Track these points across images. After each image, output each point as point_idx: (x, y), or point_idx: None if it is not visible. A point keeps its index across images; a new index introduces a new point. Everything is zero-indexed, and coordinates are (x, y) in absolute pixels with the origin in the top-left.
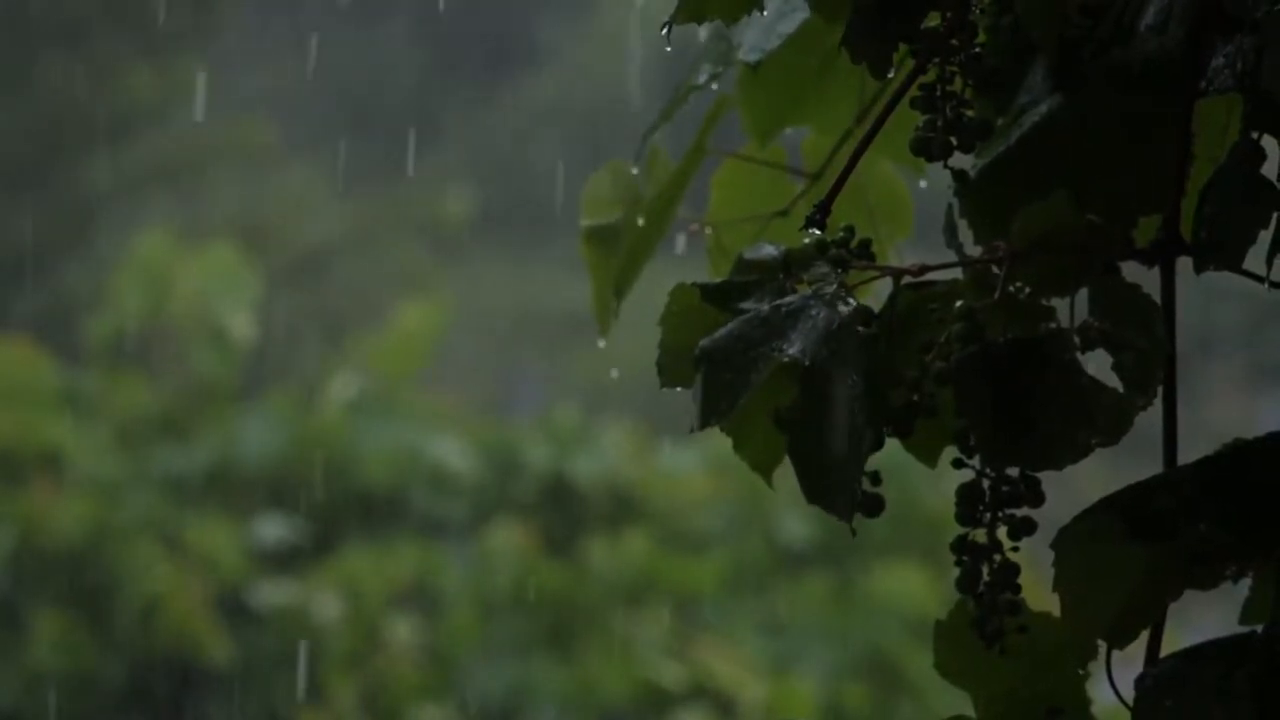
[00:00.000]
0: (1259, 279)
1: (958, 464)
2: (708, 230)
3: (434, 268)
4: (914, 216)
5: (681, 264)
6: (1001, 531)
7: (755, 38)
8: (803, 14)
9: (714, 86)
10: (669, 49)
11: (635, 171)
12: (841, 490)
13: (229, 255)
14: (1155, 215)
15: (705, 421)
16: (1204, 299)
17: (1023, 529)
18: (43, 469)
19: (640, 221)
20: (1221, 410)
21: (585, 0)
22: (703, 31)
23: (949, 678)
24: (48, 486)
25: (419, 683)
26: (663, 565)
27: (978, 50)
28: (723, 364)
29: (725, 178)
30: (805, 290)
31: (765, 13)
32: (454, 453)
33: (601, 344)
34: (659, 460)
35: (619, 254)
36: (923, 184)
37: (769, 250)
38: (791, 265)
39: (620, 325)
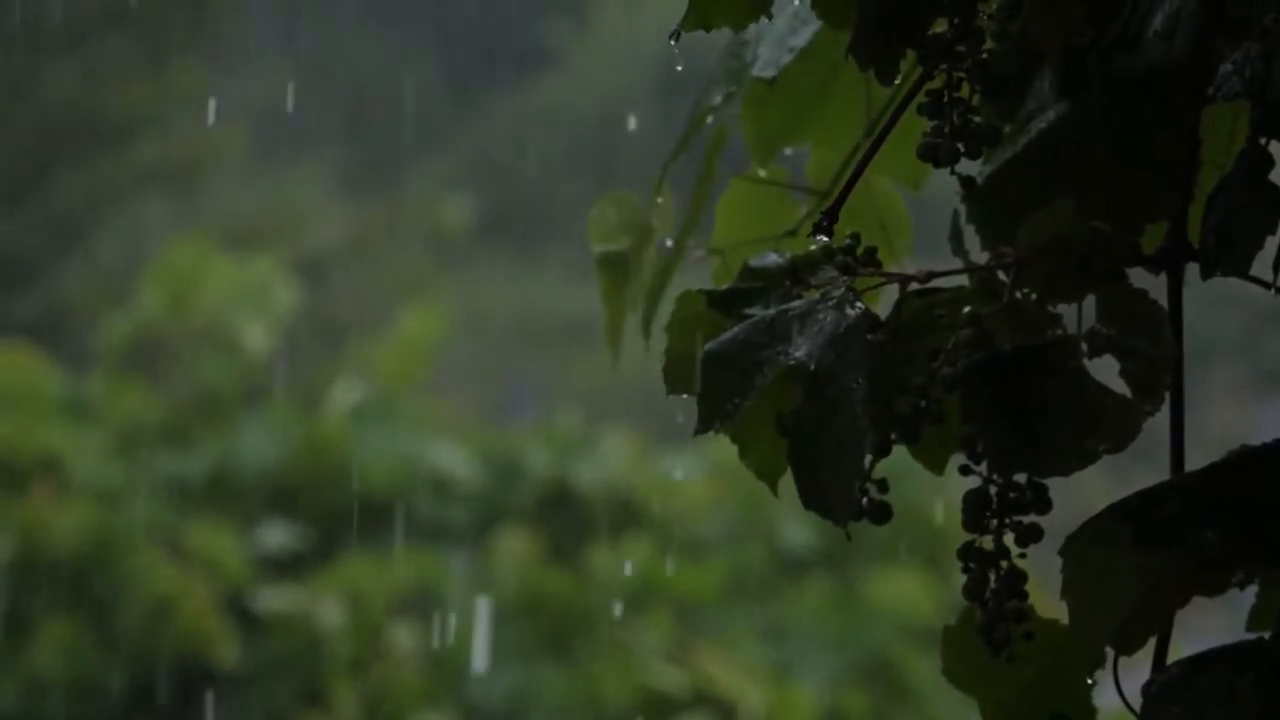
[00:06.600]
0: (1265, 284)
1: (964, 470)
2: (716, 256)
3: (434, 274)
4: (919, 224)
5: (688, 278)
6: (1008, 538)
7: (769, 54)
8: (812, 27)
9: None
10: (678, 63)
11: (660, 201)
12: (839, 495)
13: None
14: (1162, 221)
15: (707, 425)
16: (1204, 305)
17: (1030, 536)
18: (44, 475)
19: (669, 243)
20: (1222, 416)
21: (586, 6)
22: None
23: (957, 684)
24: (49, 493)
25: (421, 689)
26: (664, 572)
27: (985, 56)
28: (727, 367)
29: (731, 201)
30: (812, 296)
31: (775, 24)
32: (455, 460)
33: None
34: (660, 467)
35: (630, 280)
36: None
37: (774, 258)
38: (798, 271)
39: (625, 331)
